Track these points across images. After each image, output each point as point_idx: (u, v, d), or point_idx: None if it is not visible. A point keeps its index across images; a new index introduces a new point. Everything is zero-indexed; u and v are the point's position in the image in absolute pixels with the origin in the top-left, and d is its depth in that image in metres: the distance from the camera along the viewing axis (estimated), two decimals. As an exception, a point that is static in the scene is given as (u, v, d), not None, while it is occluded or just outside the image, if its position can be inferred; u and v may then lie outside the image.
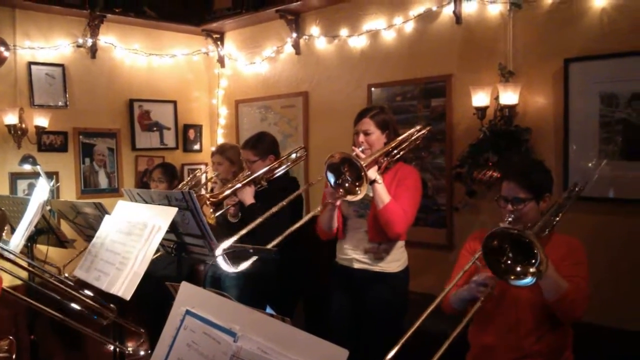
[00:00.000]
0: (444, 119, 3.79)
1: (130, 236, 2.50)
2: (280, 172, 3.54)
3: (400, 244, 3.03)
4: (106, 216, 2.79)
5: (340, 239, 3.08)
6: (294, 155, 3.66)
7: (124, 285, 2.32)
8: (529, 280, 2.05)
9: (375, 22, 4.21)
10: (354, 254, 3.02)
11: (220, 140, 5.69)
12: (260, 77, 5.22)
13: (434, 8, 3.81)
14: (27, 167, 3.94)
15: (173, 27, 5.31)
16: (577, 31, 3.18)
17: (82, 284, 2.59)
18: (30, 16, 4.56)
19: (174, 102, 5.48)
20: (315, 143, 4.70)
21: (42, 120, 4.46)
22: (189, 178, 4.93)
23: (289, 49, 4.88)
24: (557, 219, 2.41)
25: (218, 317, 1.52)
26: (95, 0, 4.62)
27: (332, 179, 2.67)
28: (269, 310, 1.74)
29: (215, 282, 3.79)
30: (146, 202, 2.83)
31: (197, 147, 5.71)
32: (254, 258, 2.50)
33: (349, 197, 2.64)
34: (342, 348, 1.18)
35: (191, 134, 5.66)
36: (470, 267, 2.51)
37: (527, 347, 2.36)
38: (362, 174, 2.58)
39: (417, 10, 3.92)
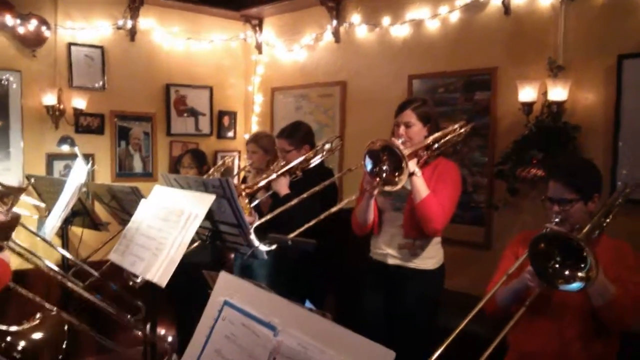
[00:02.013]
0: (487, 113, 3.67)
1: (166, 222, 2.47)
2: (315, 162, 3.48)
3: (436, 240, 2.94)
4: (142, 200, 2.76)
5: (376, 233, 3.00)
6: (328, 145, 3.59)
7: (159, 272, 2.29)
8: (577, 285, 1.96)
9: (419, 11, 4.09)
10: (388, 249, 2.95)
11: (255, 128, 5.65)
12: (297, 65, 5.14)
13: (482, -2, 3.69)
14: (65, 149, 3.94)
15: (212, 12, 5.27)
16: (632, 26, 3.03)
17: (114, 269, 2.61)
18: (72, -4, 4.58)
19: (210, 88, 5.46)
20: (351, 134, 4.61)
21: (80, 101, 4.47)
22: (218, 164, 4.89)
23: (328, 36, 4.79)
24: (607, 220, 2.30)
25: (257, 310, 1.47)
26: (135, -18, 4.61)
27: (369, 166, 2.60)
28: (308, 304, 1.68)
29: (245, 271, 3.77)
30: (182, 188, 2.80)
31: (231, 134, 5.68)
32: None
33: (387, 187, 2.57)
34: (387, 349, 1.12)
35: (226, 120, 5.64)
36: (514, 272, 2.44)
37: (572, 354, 2.26)
38: (403, 163, 2.50)
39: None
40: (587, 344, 2.26)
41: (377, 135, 4.24)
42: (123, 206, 3.28)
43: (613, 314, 2.14)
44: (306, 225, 2.65)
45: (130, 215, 3.29)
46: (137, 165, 5.03)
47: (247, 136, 5.69)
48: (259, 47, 5.51)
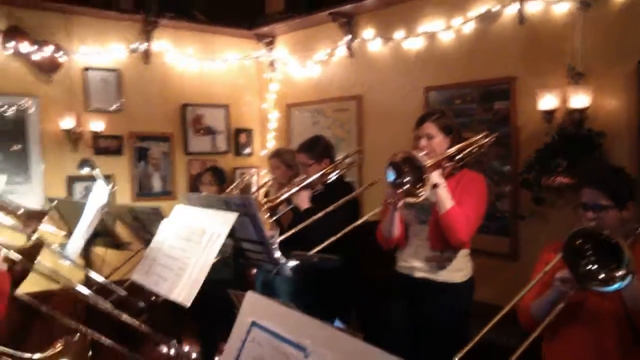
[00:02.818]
0: (507, 122, 3.63)
1: (189, 242, 2.46)
2: (335, 175, 3.47)
3: (464, 252, 2.89)
4: (163, 220, 2.76)
5: (402, 246, 2.96)
6: (349, 159, 3.58)
7: (183, 292, 2.27)
8: (617, 285, 1.91)
9: (432, 24, 4.09)
10: (415, 262, 2.89)
11: (271, 144, 5.66)
12: (312, 81, 5.16)
13: (496, 8, 3.67)
14: (86, 171, 3.97)
15: (225, 32, 5.32)
16: (654, 30, 2.99)
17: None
18: (86, 22, 4.64)
19: (226, 107, 5.49)
20: (369, 147, 4.59)
21: (97, 124, 4.52)
22: (237, 181, 4.90)
23: (342, 51, 4.80)
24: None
25: (287, 330, 1.44)
26: (149, 6, 4.65)
27: (391, 177, 2.57)
28: (338, 323, 1.65)
29: (267, 288, 3.74)
30: (204, 207, 2.79)
31: (248, 151, 5.69)
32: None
33: (409, 199, 2.53)
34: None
35: (242, 138, 5.65)
36: (547, 279, 2.39)
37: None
38: (424, 175, 2.47)
39: (477, 10, 3.78)
40: (625, 353, 2.20)
41: (395, 148, 4.22)
42: (145, 226, 3.28)
43: None
44: (329, 240, 2.62)
45: (152, 234, 3.30)
46: (157, 185, 5.05)
47: (264, 153, 5.71)
48: (272, 65, 5.53)
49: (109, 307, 2.46)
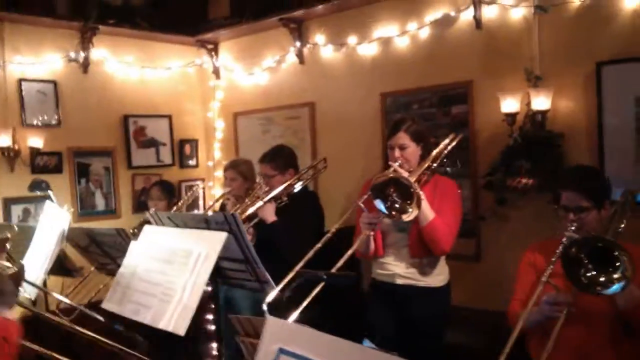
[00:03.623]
0: (466, 125, 3.69)
1: (170, 265, 2.31)
2: (300, 186, 3.40)
3: (443, 257, 2.93)
4: (132, 243, 2.59)
5: (380, 255, 2.94)
6: (311, 170, 3.52)
7: (173, 319, 2.13)
8: (617, 286, 1.95)
9: (386, 29, 4.09)
10: (396, 269, 2.89)
11: (218, 154, 5.50)
12: (260, 88, 5.04)
13: (452, 13, 3.72)
14: (39, 193, 3.68)
15: (166, 38, 5.11)
16: (608, 34, 3.12)
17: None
18: (20, 30, 4.31)
19: (169, 117, 5.27)
20: (324, 154, 4.49)
21: (36, 140, 4.20)
22: (188, 195, 4.71)
23: (292, 58, 4.72)
24: (622, 226, 2.34)
25: (318, 354, 1.37)
26: (89, 12, 4.39)
27: (382, 206, 2.53)
28: (367, 343, 1.59)
29: (229, 304, 3.63)
30: (178, 227, 2.64)
31: (193, 162, 5.50)
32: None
33: (405, 217, 2.51)
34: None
35: (187, 149, 5.46)
36: (534, 280, 2.44)
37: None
38: (412, 191, 2.46)
39: (433, 15, 3.82)
40: (614, 352, 2.26)
41: (351, 155, 4.27)
42: (105, 250, 3.07)
43: None
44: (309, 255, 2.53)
45: (113, 259, 3.10)
46: (100, 203, 4.77)
47: (211, 164, 5.55)
48: (216, 72, 5.37)
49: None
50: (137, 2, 4.88)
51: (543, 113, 3.21)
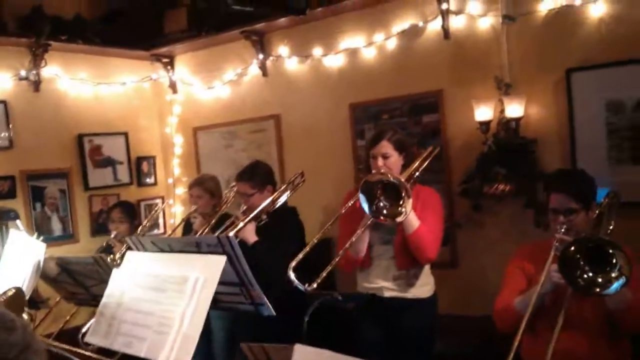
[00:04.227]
0: (438, 134, 3.73)
1: (163, 292, 2.19)
2: (280, 202, 3.33)
3: (428, 267, 2.93)
4: (114, 271, 2.45)
5: (366, 267, 2.91)
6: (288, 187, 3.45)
7: (174, 351, 2.01)
8: (617, 285, 1.99)
9: (353, 40, 4.09)
10: (382, 282, 2.88)
11: (177, 171, 5.33)
12: (221, 102, 4.93)
13: (420, 24, 3.75)
14: (10, 223, 3.43)
15: (120, 53, 4.91)
16: (576, 42, 3.23)
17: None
18: (-35, 48, 4.04)
19: (125, 134, 5.07)
20: (292, 167, 4.47)
21: (-13, 164, 3.94)
22: (151, 215, 4.54)
23: (254, 70, 4.65)
24: (611, 227, 2.40)
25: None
26: (40, 28, 4.16)
27: (366, 206, 2.51)
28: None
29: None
30: (163, 251, 2.52)
31: (151, 180, 5.30)
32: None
33: (398, 219, 2.49)
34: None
35: (145, 166, 5.26)
36: (523, 284, 2.47)
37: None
38: (403, 192, 2.45)
39: (400, 26, 3.84)
40: (600, 354, 2.30)
41: (319, 166, 4.23)
42: (77, 279, 2.89)
43: (632, 318, 2.20)
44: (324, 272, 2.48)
45: (86, 288, 2.93)
46: (56, 228, 4.51)
47: (170, 181, 5.37)
48: (173, 86, 5.22)
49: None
50: (89, 16, 4.68)
51: (517, 120, 3.28)
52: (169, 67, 5.18)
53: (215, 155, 5.03)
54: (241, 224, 3.15)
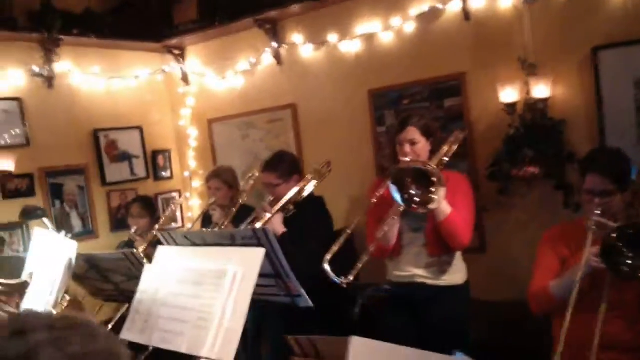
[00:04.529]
0: (461, 118, 3.67)
1: (200, 287, 2.16)
2: (306, 193, 3.29)
3: (460, 253, 2.90)
4: (146, 266, 2.42)
5: (397, 256, 2.88)
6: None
7: (217, 346, 1.98)
8: None
9: (369, 25, 4.01)
10: (415, 270, 2.84)
11: (193, 164, 5.30)
12: (235, 92, 4.88)
13: (439, 6, 3.68)
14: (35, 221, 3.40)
15: (132, 46, 4.87)
16: (601, 19, 3.15)
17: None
18: (-22, 45, 4.00)
19: (140, 128, 5.03)
20: (310, 156, 4.43)
21: (6, 163, 3.91)
22: (170, 208, 4.50)
23: (268, 59, 4.58)
24: None
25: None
26: (51, 22, 4.11)
27: (398, 197, 2.47)
28: (460, 355, 1.51)
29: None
30: (196, 245, 2.49)
31: (167, 174, 5.27)
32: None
33: (430, 206, 2.46)
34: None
35: (160, 160, 5.23)
36: (557, 265, 2.44)
37: (625, 341, 2.27)
38: (434, 178, 2.41)
39: (418, 8, 3.76)
40: (634, 334, 2.26)
41: (338, 154, 4.18)
42: (106, 276, 2.87)
43: None
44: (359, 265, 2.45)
45: (115, 284, 2.91)
46: (77, 224, 4.50)
47: (187, 174, 5.34)
48: (185, 78, 5.17)
49: None
50: (98, 9, 4.62)
51: (544, 101, 3.22)
52: (180, 59, 5.12)
53: (232, 147, 4.99)
54: (269, 215, 3.12)
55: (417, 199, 2.48)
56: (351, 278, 2.34)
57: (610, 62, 3.12)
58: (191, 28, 4.75)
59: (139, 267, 2.68)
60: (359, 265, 2.42)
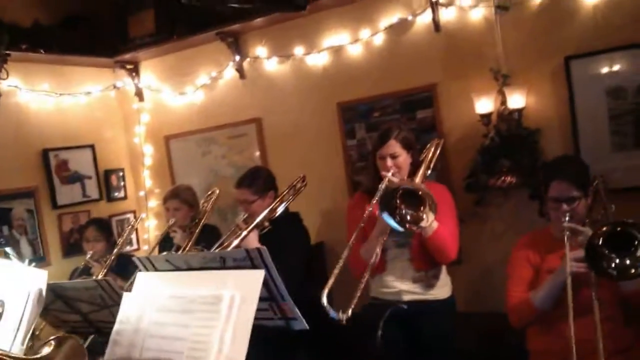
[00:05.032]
0: (433, 129, 3.65)
1: (192, 314, 1.99)
2: (282, 208, 3.17)
3: (445, 267, 2.86)
4: (125, 294, 2.23)
5: (380, 272, 2.80)
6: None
7: (217, 376, 1.83)
8: None
9: (337, 37, 3.96)
10: (401, 286, 2.78)
11: (149, 183, 5.06)
12: (194, 107, 4.70)
13: (408, 17, 3.67)
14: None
15: (83, 61, 4.61)
16: (572, 29, 3.22)
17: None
18: None
19: (92, 147, 4.76)
20: (277, 171, 4.21)
21: (-50, 188, 3.59)
22: (128, 230, 4.25)
23: (230, 73, 4.45)
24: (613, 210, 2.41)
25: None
26: (-1, 38, 3.82)
27: (392, 222, 2.40)
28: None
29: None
30: (179, 269, 2.32)
31: (121, 194, 5.01)
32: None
33: (422, 224, 2.39)
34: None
35: (114, 180, 4.97)
36: (531, 274, 2.46)
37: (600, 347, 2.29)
38: (426, 198, 2.37)
39: (387, 21, 3.74)
40: (611, 339, 2.27)
41: (307, 168, 4.06)
42: (74, 306, 2.65)
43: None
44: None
45: (83, 315, 2.71)
46: (26, 251, 4.18)
47: (142, 193, 5.10)
48: (139, 94, 4.95)
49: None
50: (48, 22, 4.35)
51: (519, 111, 3.24)
52: (134, 74, 4.90)
53: (190, 164, 4.80)
54: (244, 233, 2.98)
55: (409, 218, 2.42)
56: (350, 313, 2.22)
57: (583, 71, 3.19)
58: (147, 42, 4.55)
59: (114, 295, 2.50)
60: (357, 296, 2.29)
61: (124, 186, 5.04)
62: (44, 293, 2.32)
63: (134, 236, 5.05)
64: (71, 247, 4.45)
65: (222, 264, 2.22)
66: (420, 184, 2.49)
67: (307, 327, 2.16)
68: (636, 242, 2.06)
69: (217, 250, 3.00)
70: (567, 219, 2.34)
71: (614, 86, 3.10)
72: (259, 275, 1.98)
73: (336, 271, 2.31)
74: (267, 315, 2.30)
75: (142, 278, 2.22)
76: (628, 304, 2.38)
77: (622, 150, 3.13)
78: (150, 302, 2.10)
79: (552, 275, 2.36)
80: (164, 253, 3.43)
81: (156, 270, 2.38)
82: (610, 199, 2.88)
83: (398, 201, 2.42)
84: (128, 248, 4.90)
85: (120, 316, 2.14)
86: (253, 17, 4.03)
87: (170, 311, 2.04)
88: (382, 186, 2.56)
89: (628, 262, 2.07)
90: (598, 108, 3.15)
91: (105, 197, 4.87)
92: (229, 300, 1.95)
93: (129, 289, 2.28)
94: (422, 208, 2.40)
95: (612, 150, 3.15)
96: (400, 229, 2.41)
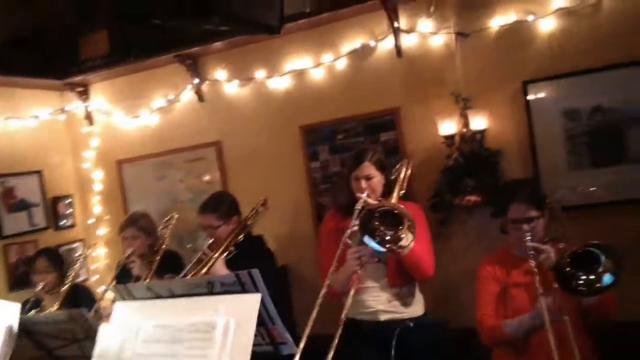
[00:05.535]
0: (397, 151, 3.73)
1: (181, 344, 1.93)
2: (244, 233, 3.15)
3: (417, 285, 2.89)
4: (102, 327, 2.13)
5: (358, 290, 2.79)
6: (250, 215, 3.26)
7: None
8: (608, 277, 2.13)
9: (299, 61, 4.00)
10: (378, 305, 2.78)
11: (98, 209, 4.87)
12: (148, 131, 4.59)
13: (371, 43, 3.75)
14: None
15: (30, 83, 4.44)
16: (529, 55, 3.39)
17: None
18: None
19: (39, 172, 4.56)
20: (238, 194, 4.18)
21: None
22: (79, 261, 4.06)
23: (188, 96, 4.38)
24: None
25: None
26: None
27: (374, 243, 2.40)
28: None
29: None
30: (161, 297, 2.23)
31: (69, 222, 4.79)
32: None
33: (401, 243, 2.42)
34: None
35: (62, 207, 4.75)
36: (497, 290, 2.60)
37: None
38: (399, 214, 2.39)
39: (349, 46, 3.82)
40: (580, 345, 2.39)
41: (269, 192, 4.03)
42: (43, 342, 2.50)
43: (603, 309, 2.39)
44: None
45: (49, 352, 2.57)
46: (-30, 285, 3.91)
47: (92, 221, 4.89)
48: (89, 118, 4.79)
49: None
50: (-7, 42, 4.16)
51: (482, 132, 3.36)
52: (84, 97, 4.75)
53: (145, 189, 4.67)
54: (213, 260, 2.93)
55: (388, 238, 2.43)
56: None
57: (540, 95, 3.36)
58: (99, 64, 4.42)
59: (87, 328, 2.38)
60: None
61: (73, 214, 4.83)
62: (15, 329, 2.19)
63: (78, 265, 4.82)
64: (18, 279, 4.21)
65: (210, 290, 2.17)
66: (397, 203, 2.52)
67: (295, 352, 2.13)
68: (599, 260, 2.15)
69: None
70: (529, 238, 2.44)
71: (569, 108, 3.28)
72: (255, 299, 1.95)
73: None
74: (256, 341, 2.25)
75: (121, 308, 2.13)
76: (588, 315, 2.48)
77: (578, 169, 3.30)
78: (133, 332, 2.01)
79: (529, 315, 2.43)
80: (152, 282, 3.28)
81: (135, 299, 2.29)
82: (567, 216, 3.05)
83: (377, 222, 2.44)
84: (81, 278, 4.68)
85: (98, 349, 2.05)
86: (214, 39, 4.00)
87: (156, 341, 1.97)
88: (359, 207, 2.58)
89: (593, 277, 2.16)
90: (554, 129, 3.32)
91: (53, 226, 4.65)
92: (223, 327, 1.90)
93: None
94: (400, 228, 2.42)
95: (568, 169, 3.31)
96: (382, 249, 2.42)
